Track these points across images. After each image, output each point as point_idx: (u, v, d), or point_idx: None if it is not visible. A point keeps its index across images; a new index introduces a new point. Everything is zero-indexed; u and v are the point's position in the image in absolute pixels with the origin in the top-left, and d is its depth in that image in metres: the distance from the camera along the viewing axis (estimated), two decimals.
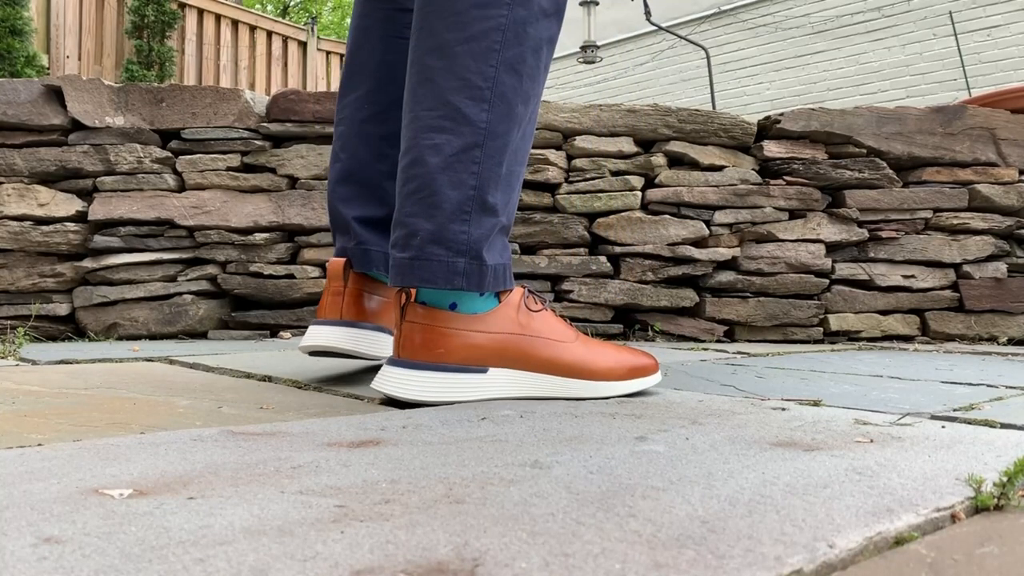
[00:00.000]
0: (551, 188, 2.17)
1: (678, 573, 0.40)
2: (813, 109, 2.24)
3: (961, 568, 0.43)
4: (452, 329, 0.95)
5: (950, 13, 6.56)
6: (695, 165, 2.19)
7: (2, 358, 1.47)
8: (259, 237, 2.06)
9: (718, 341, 2.14)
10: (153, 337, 2.00)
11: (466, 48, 0.94)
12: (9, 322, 1.93)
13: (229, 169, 2.08)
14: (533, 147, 2.13)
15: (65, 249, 1.99)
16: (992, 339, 2.20)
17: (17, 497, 0.51)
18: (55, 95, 2.01)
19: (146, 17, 5.07)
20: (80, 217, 2.01)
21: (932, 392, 1.12)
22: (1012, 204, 2.25)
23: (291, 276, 2.07)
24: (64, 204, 1.99)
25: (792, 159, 2.20)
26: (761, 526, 0.47)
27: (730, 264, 2.18)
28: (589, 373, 0.99)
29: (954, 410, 0.96)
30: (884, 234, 2.22)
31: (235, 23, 5.90)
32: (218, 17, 5.78)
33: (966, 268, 2.24)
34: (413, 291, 0.99)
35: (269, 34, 6.15)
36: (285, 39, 6.26)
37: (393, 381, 0.95)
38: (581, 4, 6.12)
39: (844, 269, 2.21)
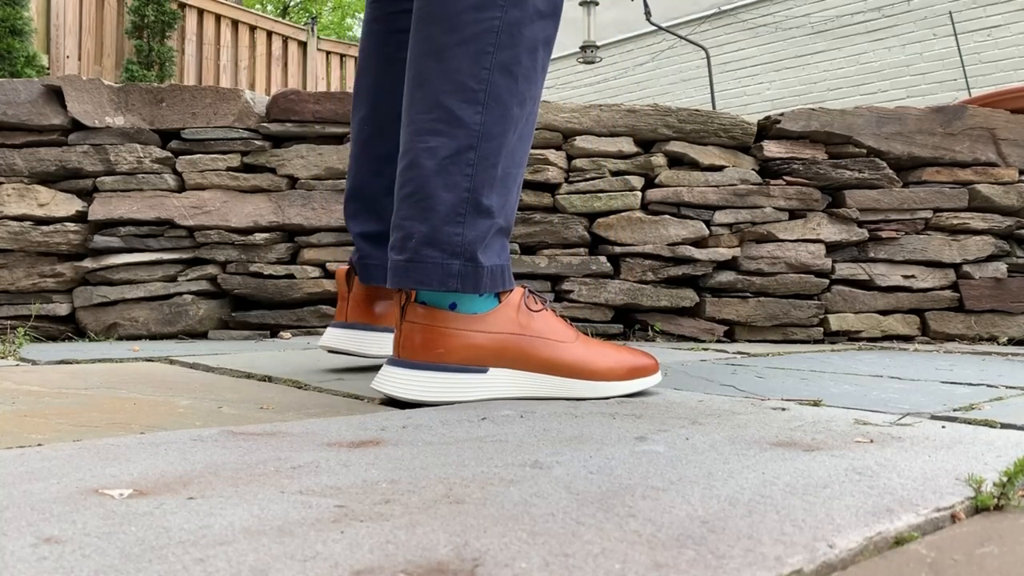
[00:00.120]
0: (551, 188, 2.17)
1: (678, 573, 0.40)
2: (813, 109, 2.24)
3: (961, 568, 0.43)
4: (452, 329, 0.96)
5: (950, 13, 6.56)
6: (695, 165, 2.19)
7: (2, 358, 1.47)
8: (259, 237, 2.06)
9: (718, 341, 2.14)
10: (153, 337, 2.00)
11: (460, 51, 0.94)
12: (9, 322, 1.93)
13: (229, 169, 2.08)
14: (533, 147, 2.13)
15: (65, 249, 1.99)
16: (992, 339, 2.20)
17: (17, 497, 0.51)
18: (55, 95, 2.01)
19: (146, 17, 5.07)
20: (80, 217, 2.01)
21: (932, 392, 1.12)
22: (1012, 204, 2.25)
23: (291, 276, 2.07)
24: (64, 204, 2.00)
25: (792, 159, 2.20)
26: (761, 526, 0.47)
27: (730, 264, 2.18)
28: (589, 373, 0.99)
29: (954, 410, 0.96)
30: (884, 234, 2.22)
31: (235, 23, 5.90)
32: (218, 17, 5.78)
33: (966, 268, 2.24)
34: (413, 292, 0.99)
35: (269, 34, 6.15)
36: (285, 39, 6.26)
37: (393, 381, 0.95)
38: (581, 4, 6.12)
39: (844, 269, 2.21)
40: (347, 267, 1.27)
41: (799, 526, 0.47)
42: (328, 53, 6.60)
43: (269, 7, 17.15)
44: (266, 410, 0.93)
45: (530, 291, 1.03)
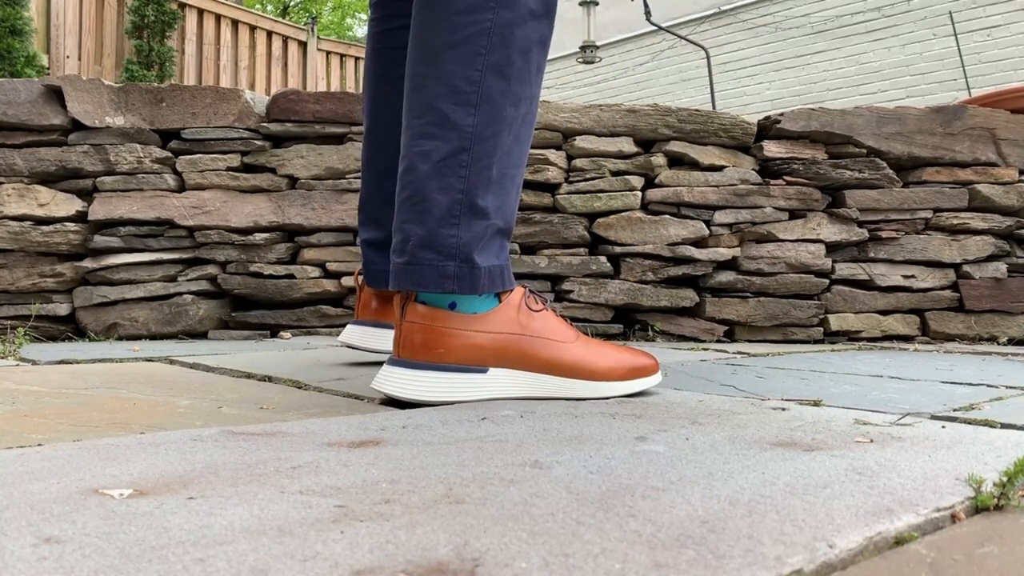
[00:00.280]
0: (551, 188, 2.17)
1: (678, 573, 0.40)
2: (813, 109, 2.24)
3: (961, 568, 0.43)
4: (452, 329, 0.96)
5: (950, 13, 6.56)
6: (695, 165, 2.19)
7: (2, 358, 1.47)
8: (259, 237, 2.06)
9: (718, 341, 2.14)
10: (153, 337, 2.00)
11: (452, 54, 0.95)
12: (9, 322, 1.93)
13: (229, 169, 2.08)
14: (533, 147, 2.13)
15: (65, 249, 1.99)
16: (992, 339, 2.20)
17: (17, 497, 0.51)
18: (55, 95, 2.01)
19: (146, 17, 5.07)
20: (80, 217, 2.01)
21: (932, 392, 1.12)
22: (1012, 204, 2.25)
23: (291, 276, 2.07)
24: (64, 204, 1.99)
25: (792, 159, 2.20)
26: (761, 526, 0.47)
27: (730, 264, 2.18)
28: (589, 373, 0.99)
29: (954, 410, 0.96)
30: (884, 234, 2.22)
31: (235, 23, 5.90)
32: (218, 17, 5.78)
33: (966, 268, 2.24)
34: (414, 292, 0.99)
35: (269, 34, 6.15)
36: (285, 39, 6.26)
37: (393, 381, 0.96)
38: (581, 4, 6.12)
39: (844, 269, 2.21)
40: (358, 270, 1.40)
41: (799, 526, 0.47)
42: (328, 53, 6.60)
43: (269, 7, 17.15)
44: (266, 410, 0.93)
45: (530, 291, 1.03)
